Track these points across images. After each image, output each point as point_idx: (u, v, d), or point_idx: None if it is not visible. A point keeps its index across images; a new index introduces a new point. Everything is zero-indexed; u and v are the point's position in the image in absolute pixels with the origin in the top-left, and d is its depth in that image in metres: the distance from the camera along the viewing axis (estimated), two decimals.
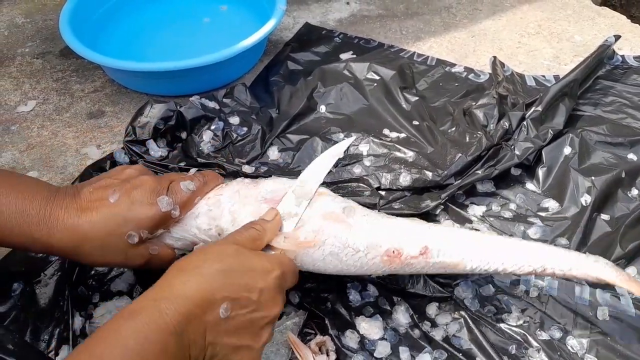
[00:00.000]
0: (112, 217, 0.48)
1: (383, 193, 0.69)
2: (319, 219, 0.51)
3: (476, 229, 0.65)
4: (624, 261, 0.61)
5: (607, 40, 0.87)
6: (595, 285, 0.60)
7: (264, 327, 0.44)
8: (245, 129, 0.77)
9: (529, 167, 0.72)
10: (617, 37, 0.88)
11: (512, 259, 0.51)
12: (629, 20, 1.05)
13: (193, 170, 0.58)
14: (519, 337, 0.56)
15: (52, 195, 0.49)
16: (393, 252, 0.50)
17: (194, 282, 0.41)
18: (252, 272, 0.44)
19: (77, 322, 0.56)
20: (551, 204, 0.68)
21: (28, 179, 0.51)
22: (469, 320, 0.56)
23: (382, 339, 0.55)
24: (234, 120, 0.78)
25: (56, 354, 0.53)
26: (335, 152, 0.61)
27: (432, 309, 0.58)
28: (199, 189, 0.54)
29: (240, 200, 0.53)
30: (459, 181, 0.68)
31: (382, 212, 0.56)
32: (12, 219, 0.47)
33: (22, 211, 0.47)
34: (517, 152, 0.70)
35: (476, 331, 0.55)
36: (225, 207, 0.53)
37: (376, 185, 0.69)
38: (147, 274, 0.60)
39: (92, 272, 0.61)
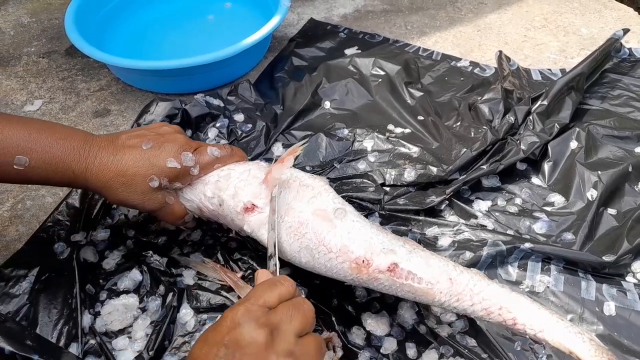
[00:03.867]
0: (141, 159, 0.53)
1: (387, 189, 0.69)
2: (308, 213, 0.52)
3: (481, 224, 0.65)
4: (630, 256, 0.60)
5: (615, 33, 0.86)
6: (601, 280, 0.59)
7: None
8: (249, 125, 0.77)
9: (534, 162, 0.71)
10: (626, 31, 0.87)
11: (483, 302, 0.48)
12: (637, 13, 1.04)
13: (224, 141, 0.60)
14: None
15: (90, 137, 0.54)
16: (362, 261, 0.49)
17: None
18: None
19: (86, 319, 0.56)
20: (557, 199, 0.67)
21: (60, 125, 0.56)
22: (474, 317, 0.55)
23: (389, 335, 0.55)
24: (239, 117, 0.78)
25: None
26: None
27: (436, 308, 0.57)
28: (222, 158, 0.58)
29: (247, 179, 0.56)
30: (464, 176, 0.68)
31: (376, 224, 0.54)
32: (57, 157, 0.52)
33: (65, 149, 0.53)
34: (522, 147, 0.70)
35: (482, 328, 0.55)
36: (232, 182, 0.56)
37: (380, 182, 0.69)
38: (153, 272, 0.61)
39: (100, 270, 0.61)
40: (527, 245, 0.59)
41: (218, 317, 0.47)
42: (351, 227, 0.51)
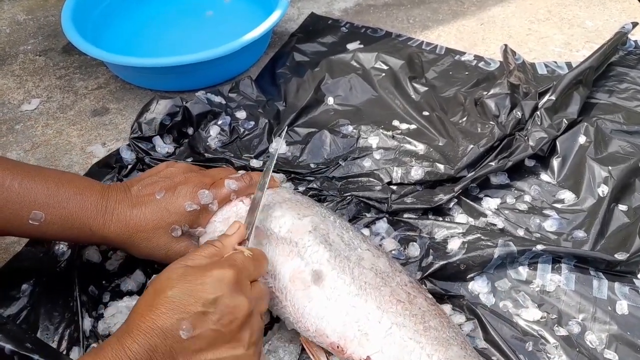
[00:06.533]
0: (158, 210, 0.52)
1: (394, 187, 0.67)
2: (286, 279, 0.51)
3: (491, 223, 0.64)
4: None
5: (624, 27, 0.85)
6: (613, 278, 0.58)
7: (240, 329, 0.44)
8: (252, 123, 0.76)
9: (543, 158, 0.70)
10: (635, 24, 0.85)
11: None
12: None
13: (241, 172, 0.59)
14: (535, 334, 0.54)
15: (105, 191, 0.53)
16: (337, 346, 0.49)
17: (149, 315, 0.42)
18: (201, 286, 0.43)
19: (87, 323, 0.55)
20: (567, 195, 0.66)
21: (77, 176, 0.55)
22: (484, 318, 0.54)
23: None
24: (241, 114, 0.77)
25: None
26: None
27: (445, 310, 0.56)
28: (241, 190, 0.56)
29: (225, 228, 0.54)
30: (472, 174, 0.66)
31: (360, 267, 0.52)
32: (74, 212, 0.51)
33: (82, 205, 0.51)
34: (530, 143, 0.68)
35: (491, 330, 0.53)
36: (217, 232, 0.54)
37: (387, 180, 0.68)
38: (157, 273, 0.59)
39: (103, 271, 0.60)
40: (540, 247, 0.58)
41: None
42: (328, 297, 0.50)
